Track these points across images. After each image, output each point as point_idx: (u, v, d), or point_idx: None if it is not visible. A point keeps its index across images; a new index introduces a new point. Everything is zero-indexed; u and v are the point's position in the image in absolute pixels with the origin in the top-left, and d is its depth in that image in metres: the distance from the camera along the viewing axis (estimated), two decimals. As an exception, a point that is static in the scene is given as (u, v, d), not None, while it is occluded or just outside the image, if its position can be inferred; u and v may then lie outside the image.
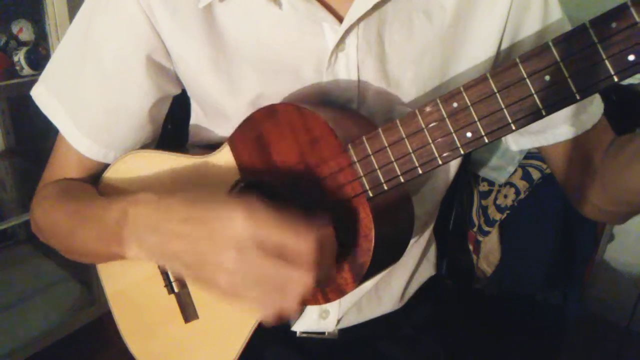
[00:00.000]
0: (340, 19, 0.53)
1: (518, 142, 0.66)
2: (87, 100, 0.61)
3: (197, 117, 0.68)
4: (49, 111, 0.62)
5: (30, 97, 0.63)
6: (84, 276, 1.74)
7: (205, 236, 0.44)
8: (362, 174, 0.48)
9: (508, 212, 1.38)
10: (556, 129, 0.61)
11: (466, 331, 0.80)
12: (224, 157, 0.56)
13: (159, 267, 0.62)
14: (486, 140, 0.43)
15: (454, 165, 0.69)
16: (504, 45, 0.60)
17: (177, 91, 0.65)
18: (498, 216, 1.40)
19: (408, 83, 0.58)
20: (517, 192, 1.37)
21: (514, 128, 0.42)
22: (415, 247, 0.72)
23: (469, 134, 0.43)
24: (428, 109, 0.44)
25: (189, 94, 0.65)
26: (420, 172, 0.46)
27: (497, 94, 0.42)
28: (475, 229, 1.48)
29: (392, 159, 0.46)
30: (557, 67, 0.39)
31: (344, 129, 0.49)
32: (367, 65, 0.56)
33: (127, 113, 0.61)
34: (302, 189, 0.51)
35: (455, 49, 0.58)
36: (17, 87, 1.47)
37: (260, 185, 0.54)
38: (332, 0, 0.54)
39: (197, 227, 0.45)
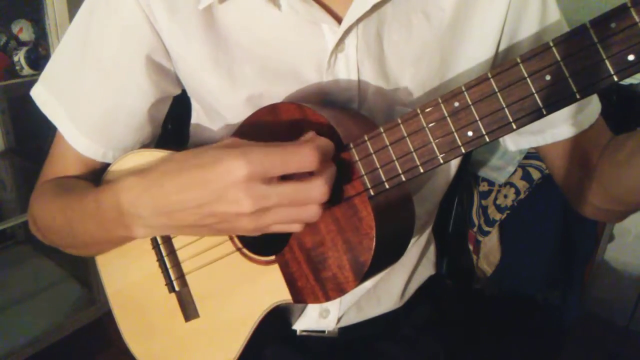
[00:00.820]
0: (339, 20, 0.54)
1: (517, 142, 0.66)
2: (87, 100, 0.61)
3: (197, 116, 0.68)
4: (48, 111, 0.62)
5: (30, 97, 0.63)
6: (84, 276, 1.73)
7: (209, 196, 0.44)
8: (363, 172, 0.48)
9: (508, 212, 1.39)
10: (555, 129, 0.61)
11: (466, 331, 0.80)
12: None
13: (159, 265, 0.62)
14: (487, 140, 0.43)
15: (454, 164, 0.69)
16: (502, 46, 0.60)
17: (177, 91, 0.65)
18: (498, 216, 1.40)
19: (407, 83, 0.58)
20: (517, 192, 1.37)
21: (514, 127, 0.42)
22: (415, 246, 0.73)
23: (470, 133, 0.44)
24: (429, 108, 0.45)
25: (189, 93, 0.65)
26: (421, 170, 0.46)
27: (498, 94, 0.42)
28: (475, 229, 1.48)
29: (394, 158, 0.47)
30: (557, 67, 0.39)
31: (345, 127, 0.49)
32: (366, 66, 0.56)
33: (126, 113, 0.61)
34: None
35: (453, 49, 0.58)
36: (17, 87, 1.46)
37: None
38: (332, 1, 0.54)
39: (198, 191, 0.44)
